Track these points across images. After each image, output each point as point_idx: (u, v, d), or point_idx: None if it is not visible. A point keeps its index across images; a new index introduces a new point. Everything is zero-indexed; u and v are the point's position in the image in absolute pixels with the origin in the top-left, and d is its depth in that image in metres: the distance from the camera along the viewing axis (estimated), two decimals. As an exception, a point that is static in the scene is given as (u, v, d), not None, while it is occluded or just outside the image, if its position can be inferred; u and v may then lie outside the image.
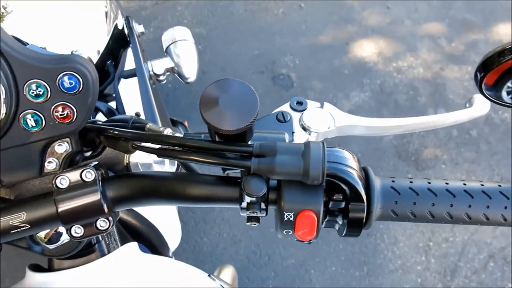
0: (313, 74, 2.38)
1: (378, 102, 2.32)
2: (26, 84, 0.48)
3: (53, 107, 0.49)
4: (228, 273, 1.23)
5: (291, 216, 0.45)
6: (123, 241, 0.73)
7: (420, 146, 2.24)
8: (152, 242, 0.88)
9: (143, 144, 0.50)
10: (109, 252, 0.67)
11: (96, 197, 0.50)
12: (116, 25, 0.73)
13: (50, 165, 0.52)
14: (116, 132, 0.51)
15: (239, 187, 0.49)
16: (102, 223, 0.51)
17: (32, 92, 0.48)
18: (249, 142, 0.48)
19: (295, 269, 1.95)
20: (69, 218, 0.49)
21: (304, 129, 0.55)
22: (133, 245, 0.70)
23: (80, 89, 0.49)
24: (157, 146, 0.50)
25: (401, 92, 2.38)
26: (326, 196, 0.46)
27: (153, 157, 0.59)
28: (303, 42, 2.47)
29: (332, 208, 0.47)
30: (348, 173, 0.44)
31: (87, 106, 0.50)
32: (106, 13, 0.66)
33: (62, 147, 0.52)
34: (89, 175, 0.50)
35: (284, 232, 0.47)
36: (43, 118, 0.49)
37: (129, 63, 0.83)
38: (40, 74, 0.48)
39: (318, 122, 0.55)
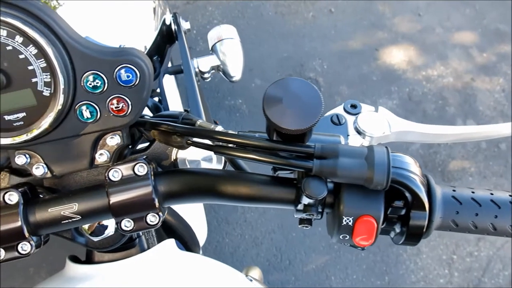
0: (341, 79, 2.36)
1: (406, 110, 2.29)
2: (84, 75, 0.48)
3: (108, 99, 0.49)
4: (255, 274, 1.22)
5: (350, 221, 0.44)
6: (158, 237, 0.73)
7: (447, 157, 2.20)
8: (184, 239, 0.88)
9: (198, 140, 0.49)
10: (148, 247, 0.67)
11: (148, 191, 0.49)
12: (163, 21, 0.73)
13: (102, 157, 0.52)
14: (171, 127, 0.50)
15: (296, 188, 0.48)
16: (152, 218, 0.50)
17: (90, 84, 0.48)
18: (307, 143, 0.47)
19: (316, 275, 1.93)
20: (120, 211, 0.49)
21: (359, 132, 0.54)
22: (171, 242, 0.70)
23: (136, 82, 0.49)
24: (210, 143, 0.50)
25: (430, 101, 2.34)
26: (385, 202, 0.45)
27: (201, 153, 0.59)
28: (332, 46, 2.45)
29: (390, 215, 0.45)
30: (412, 180, 0.43)
31: (142, 100, 0.50)
32: (154, 9, 0.66)
33: (114, 140, 0.52)
34: (142, 169, 0.50)
35: (340, 236, 0.46)
36: (98, 110, 0.49)
37: (172, 59, 0.83)
38: (98, 66, 0.48)
39: (373, 126, 0.53)
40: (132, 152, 0.58)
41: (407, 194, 0.44)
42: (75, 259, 0.68)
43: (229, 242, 1.94)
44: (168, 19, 0.75)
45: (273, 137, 0.46)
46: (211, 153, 0.59)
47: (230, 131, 0.50)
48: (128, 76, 0.48)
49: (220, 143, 0.47)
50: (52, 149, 0.51)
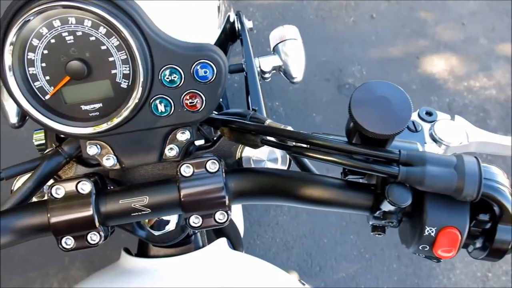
0: (380, 86, 2.32)
1: (446, 121, 2.23)
2: (162, 69, 0.48)
3: (183, 94, 0.49)
4: (294, 279, 1.20)
5: (432, 232, 0.42)
6: (207, 236, 0.72)
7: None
8: (231, 239, 0.87)
9: (274, 139, 0.48)
10: (202, 245, 0.67)
11: (219, 189, 0.49)
12: (227, 19, 0.73)
13: (171, 152, 0.52)
14: (246, 125, 0.49)
15: (374, 194, 0.46)
16: (220, 216, 0.50)
17: (167, 78, 0.48)
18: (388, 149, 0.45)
19: (346, 283, 1.90)
20: (190, 207, 0.49)
21: (435, 140, 0.52)
22: (224, 241, 0.69)
23: (213, 78, 0.48)
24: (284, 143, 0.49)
25: (471, 113, 2.28)
26: (470, 214, 0.43)
27: (267, 153, 0.58)
28: (372, 52, 2.42)
29: (473, 228, 0.44)
30: (502, 192, 0.41)
31: (216, 96, 0.49)
32: (219, 7, 0.66)
33: (184, 135, 0.52)
34: (213, 166, 0.50)
35: (420, 247, 0.44)
36: (172, 104, 0.49)
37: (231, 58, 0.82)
38: (177, 60, 0.47)
39: (450, 135, 0.52)
40: (197, 148, 0.58)
41: (495, 207, 0.42)
42: (129, 251, 0.68)
43: (260, 244, 1.93)
44: (232, 17, 0.75)
45: (353, 141, 0.45)
46: (278, 153, 0.58)
47: (305, 132, 0.49)
48: (205, 72, 0.48)
49: (298, 144, 0.46)
50: (123, 141, 0.51)
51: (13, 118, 0.71)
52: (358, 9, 2.53)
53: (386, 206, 0.43)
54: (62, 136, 0.69)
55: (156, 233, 0.59)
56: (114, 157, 0.52)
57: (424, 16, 2.56)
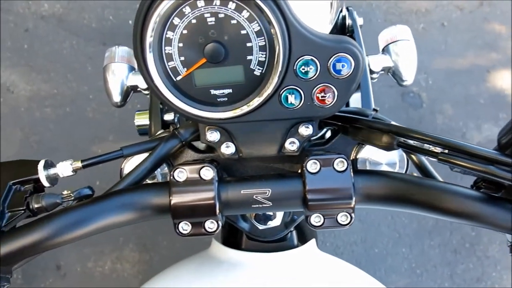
0: (446, 97, 2.24)
1: (514, 140, 2.13)
2: (299, 59, 0.46)
3: (316, 87, 0.47)
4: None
5: None
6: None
7: None
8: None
9: (412, 142, 0.45)
10: (296, 245, 0.65)
11: (347, 189, 0.46)
12: (339, 15, 0.71)
13: (292, 146, 0.50)
14: (382, 126, 0.47)
15: None
16: (343, 218, 0.48)
17: (303, 69, 0.46)
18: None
19: (394, 297, 1.85)
20: (315, 205, 0.47)
21: None
22: (314, 242, 0.67)
23: (349, 73, 0.46)
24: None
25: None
26: None
27: (385, 156, 0.55)
28: (440, 62, 2.33)
29: None
30: None
31: (349, 93, 0.47)
32: (331, 3, 0.63)
33: (308, 130, 0.50)
34: (341, 165, 0.47)
35: None
36: (302, 97, 0.47)
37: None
38: (315, 51, 0.45)
39: None
40: (311, 144, 0.56)
41: None
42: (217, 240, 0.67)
43: (310, 247, 1.91)
44: (343, 13, 0.72)
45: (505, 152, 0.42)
46: (396, 157, 0.55)
47: (454, 140, 0.45)
48: (343, 66, 0.46)
49: (446, 151, 0.43)
50: (245, 130, 0.50)
51: (116, 97, 0.71)
52: (429, 16, 2.45)
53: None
54: (168, 121, 0.69)
55: (261, 227, 0.58)
56: (234, 146, 0.51)
57: (498, 29, 2.45)
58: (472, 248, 1.94)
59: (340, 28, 0.73)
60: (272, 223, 0.58)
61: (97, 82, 2.00)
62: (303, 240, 0.66)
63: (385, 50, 0.72)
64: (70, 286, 1.72)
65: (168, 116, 0.67)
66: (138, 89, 0.72)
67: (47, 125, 1.94)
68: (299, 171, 0.54)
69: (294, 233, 0.65)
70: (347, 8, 0.74)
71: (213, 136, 0.50)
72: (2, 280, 0.47)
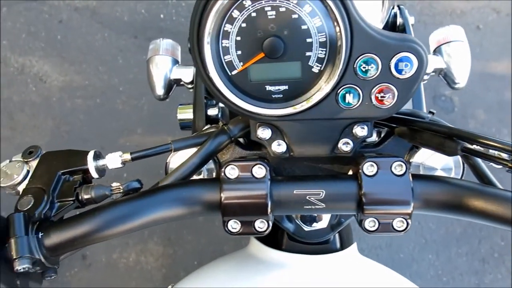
0: (478, 102, 2.18)
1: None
2: (360, 57, 0.44)
3: (375, 87, 0.45)
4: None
5: None
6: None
7: None
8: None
9: (477, 148, 0.43)
10: (339, 248, 0.63)
11: (406, 194, 0.45)
12: (390, 13, 0.69)
13: (346, 146, 0.49)
14: (446, 130, 0.45)
15: None
16: (399, 224, 0.46)
17: (363, 67, 0.44)
18: None
19: (420, 303, 1.81)
20: (371, 209, 0.45)
21: None
22: (355, 246, 0.66)
23: (411, 74, 0.44)
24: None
25: None
26: None
27: (441, 161, 0.53)
28: (474, 65, 2.26)
29: None
30: None
31: (410, 94, 0.45)
32: (383, 1, 0.61)
33: (363, 131, 0.48)
34: (400, 168, 0.46)
35: None
36: (361, 96, 0.45)
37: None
38: (377, 49, 0.44)
39: None
40: (362, 146, 0.54)
41: None
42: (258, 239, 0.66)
43: (334, 248, 1.88)
44: (394, 10, 0.70)
45: None
46: (451, 162, 0.53)
47: None
48: (405, 66, 0.44)
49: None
50: (298, 128, 0.49)
51: (159, 90, 0.71)
52: (464, 18, 2.39)
53: None
54: (212, 116, 0.68)
55: (306, 228, 0.57)
56: (285, 144, 0.49)
57: (536, 37, 2.37)
58: (501, 258, 1.89)
59: (391, 27, 0.71)
60: (317, 225, 0.57)
61: (127, 75, 2.01)
62: (344, 243, 0.65)
63: (437, 51, 0.70)
64: (95, 276, 1.73)
65: (212, 111, 0.66)
66: (181, 82, 0.72)
67: (78, 115, 1.96)
68: (350, 172, 0.52)
69: (337, 236, 0.63)
70: (398, 6, 0.72)
71: (264, 133, 0.49)
72: (49, 271, 0.47)
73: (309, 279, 0.57)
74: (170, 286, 0.66)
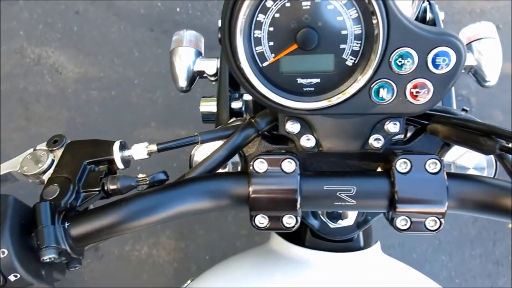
0: (496, 102, 2.15)
1: None
2: (396, 51, 0.43)
3: (410, 82, 0.44)
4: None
5: None
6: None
7: None
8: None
9: (515, 147, 0.42)
10: (363, 246, 0.62)
11: (440, 192, 0.43)
12: (420, 8, 0.67)
13: (378, 142, 0.47)
14: (482, 127, 0.43)
15: None
16: (431, 223, 0.45)
17: (399, 61, 0.43)
18: None
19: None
20: (404, 208, 0.44)
21: None
22: (379, 245, 0.64)
23: (448, 69, 0.43)
24: None
25: None
26: None
27: (473, 160, 0.52)
28: (493, 65, 2.24)
29: None
30: None
31: (445, 90, 0.44)
32: None
33: (395, 127, 0.47)
34: (434, 166, 0.44)
35: None
36: (395, 91, 0.44)
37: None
38: (415, 43, 0.42)
39: None
40: (391, 142, 0.53)
41: None
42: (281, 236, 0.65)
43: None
44: (424, 5, 0.69)
45: None
46: (483, 161, 0.52)
47: None
48: (443, 61, 0.42)
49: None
50: (329, 123, 0.48)
51: (182, 82, 0.70)
52: (484, 17, 2.35)
53: None
54: (236, 109, 0.67)
55: (332, 225, 0.55)
56: (314, 139, 0.48)
57: (557, 34, 2.33)
58: (515, 261, 1.87)
59: (420, 21, 0.69)
60: (343, 222, 0.55)
61: (142, 67, 2.01)
62: (367, 242, 0.64)
63: (467, 48, 0.68)
64: (107, 268, 1.74)
65: (236, 104, 0.65)
66: (204, 75, 0.71)
67: (93, 107, 1.96)
68: (379, 169, 0.51)
69: (360, 234, 0.62)
70: (428, 1, 0.70)
71: (294, 127, 0.48)
72: (74, 262, 0.47)
73: (334, 277, 0.56)
74: (190, 280, 0.65)
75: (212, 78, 0.70)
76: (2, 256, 0.40)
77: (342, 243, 0.60)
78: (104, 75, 2.01)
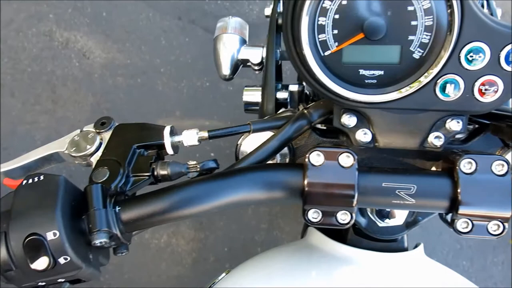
0: None
1: None
2: (468, 45, 0.41)
3: (479, 78, 0.42)
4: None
5: None
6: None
7: None
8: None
9: None
10: (407, 248, 0.60)
11: (506, 194, 0.41)
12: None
13: (438, 140, 0.46)
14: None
15: None
16: (494, 227, 0.43)
17: (470, 56, 0.41)
18: None
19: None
20: (467, 210, 0.42)
21: None
22: (422, 247, 0.63)
23: None
24: None
25: None
26: None
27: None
28: None
29: None
30: None
31: None
32: None
33: (458, 125, 0.45)
34: (500, 167, 0.42)
35: None
36: (462, 87, 0.42)
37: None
38: (488, 37, 0.40)
39: None
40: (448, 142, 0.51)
41: None
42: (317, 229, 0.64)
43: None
44: (481, 2, 0.66)
45: None
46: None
47: None
48: None
49: None
50: (388, 117, 0.46)
51: (226, 70, 0.69)
52: (505, 18, 2.29)
53: None
54: (280, 100, 0.66)
55: (380, 224, 0.54)
56: (370, 133, 0.47)
57: None
58: (539, 269, 1.83)
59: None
60: (391, 221, 0.54)
61: (169, 56, 2.01)
62: (409, 243, 0.62)
63: None
64: (126, 255, 1.74)
65: (281, 95, 0.64)
66: (248, 63, 0.69)
67: (118, 93, 1.96)
68: (434, 168, 0.49)
69: (405, 235, 0.61)
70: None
71: (350, 120, 0.46)
72: (122, 247, 0.46)
73: (377, 277, 0.55)
74: (225, 273, 0.64)
75: (256, 68, 0.69)
76: (53, 237, 0.39)
77: (386, 242, 0.58)
78: (131, 62, 2.01)
